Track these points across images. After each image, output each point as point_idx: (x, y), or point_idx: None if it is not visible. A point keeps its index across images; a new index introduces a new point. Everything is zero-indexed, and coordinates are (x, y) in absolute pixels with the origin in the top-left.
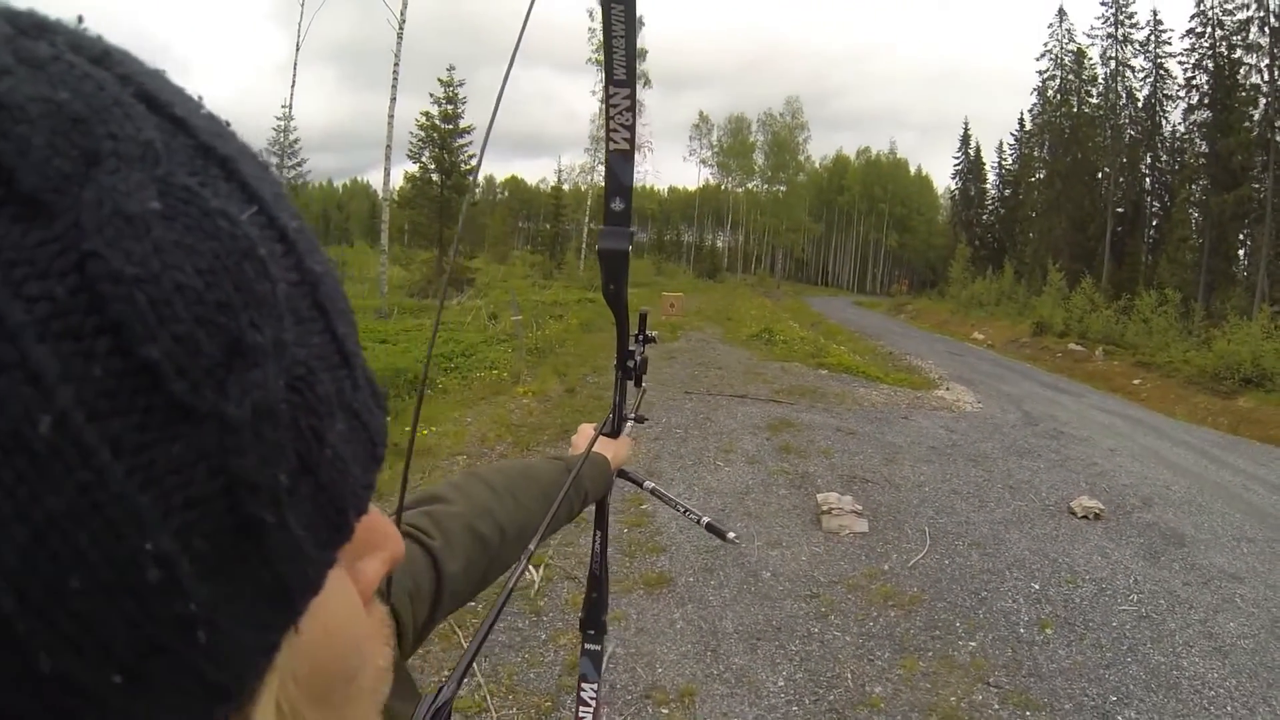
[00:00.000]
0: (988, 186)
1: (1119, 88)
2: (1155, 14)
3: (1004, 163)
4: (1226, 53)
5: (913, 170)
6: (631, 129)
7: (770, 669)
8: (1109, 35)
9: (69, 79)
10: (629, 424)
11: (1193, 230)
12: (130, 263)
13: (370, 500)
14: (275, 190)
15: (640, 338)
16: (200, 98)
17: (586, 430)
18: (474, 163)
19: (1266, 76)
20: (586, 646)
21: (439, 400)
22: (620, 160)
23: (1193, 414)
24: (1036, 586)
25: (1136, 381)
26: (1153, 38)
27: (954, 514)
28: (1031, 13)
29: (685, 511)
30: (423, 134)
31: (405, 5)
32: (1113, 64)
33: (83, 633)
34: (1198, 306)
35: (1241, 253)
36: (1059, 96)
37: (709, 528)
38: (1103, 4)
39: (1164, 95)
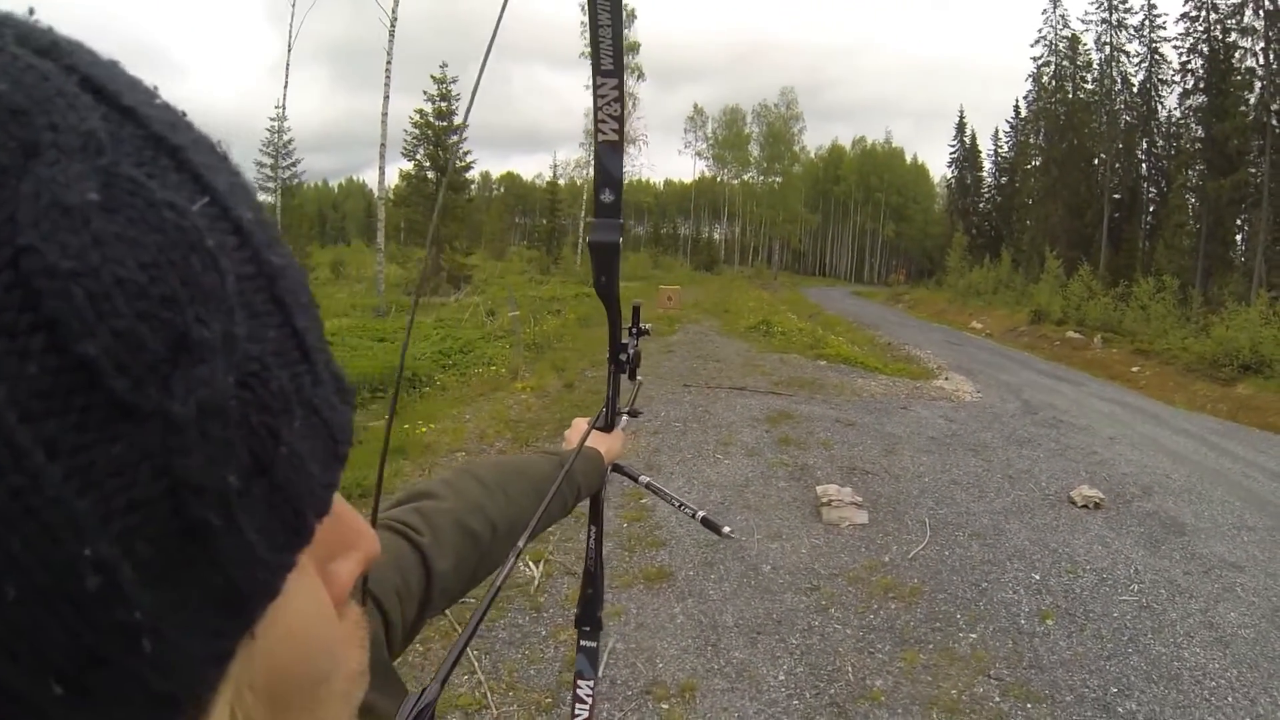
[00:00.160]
0: (984, 174)
1: (1114, 73)
2: None
3: (1000, 150)
4: (1221, 36)
5: (908, 159)
6: (620, 120)
7: (771, 663)
8: (1103, 21)
9: (10, 70)
10: (623, 418)
11: (1190, 216)
12: (67, 256)
13: (332, 500)
14: (232, 181)
15: (634, 331)
16: (155, 88)
17: (580, 425)
18: (468, 159)
19: (1262, 60)
20: (582, 643)
21: (437, 397)
22: (609, 151)
23: (1192, 401)
24: (1037, 577)
25: (1135, 369)
26: (1147, 22)
27: (954, 504)
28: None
29: (681, 506)
30: (417, 132)
31: (397, 4)
32: (1107, 49)
33: (18, 642)
34: (1195, 293)
35: (1239, 238)
36: (1054, 83)
37: (704, 522)
38: None
39: (1159, 80)
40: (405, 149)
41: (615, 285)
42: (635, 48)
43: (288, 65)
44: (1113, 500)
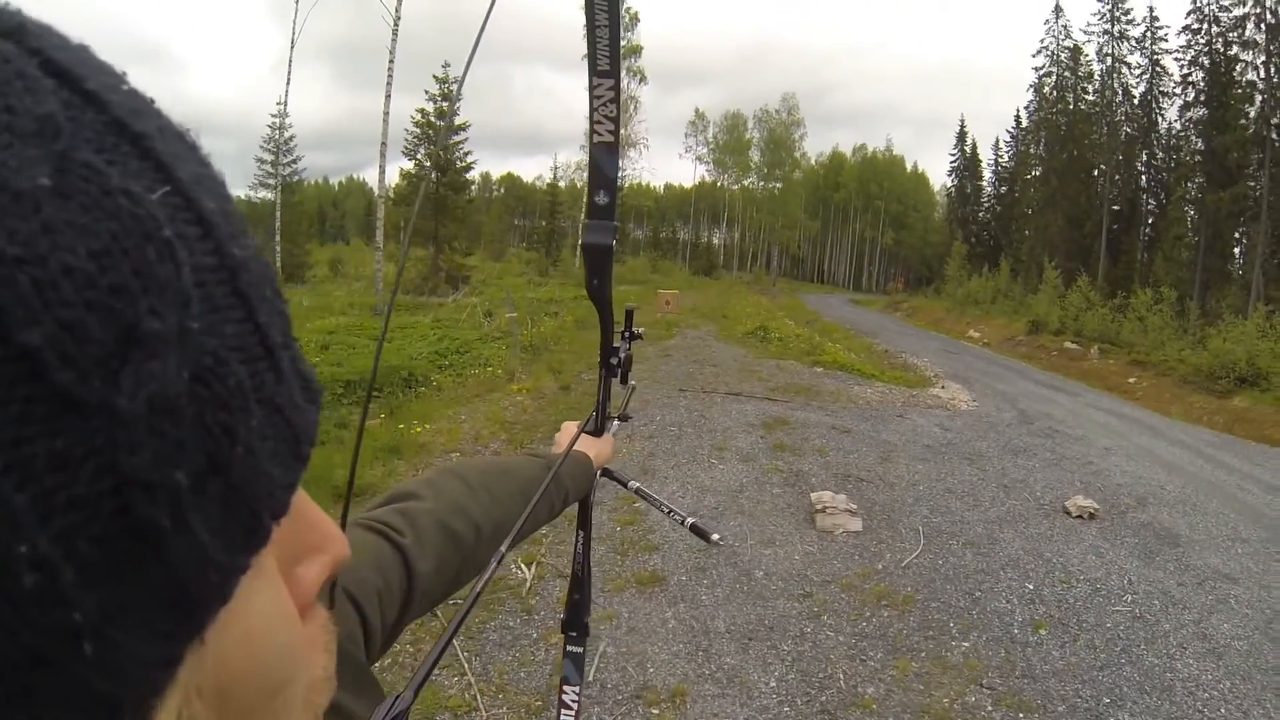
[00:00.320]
0: (984, 184)
1: (1115, 84)
2: (1151, 10)
3: (1000, 160)
4: (1223, 49)
5: (909, 167)
6: (616, 121)
7: (762, 669)
8: (1105, 32)
9: None
10: (614, 423)
11: (1188, 228)
12: (14, 242)
13: (291, 501)
14: (198, 170)
15: (626, 334)
16: (124, 73)
17: (570, 428)
18: (470, 159)
19: (1263, 73)
20: (569, 649)
21: (433, 397)
22: (604, 153)
23: (1188, 413)
24: (1030, 586)
25: (1132, 380)
26: (1149, 34)
27: (948, 513)
28: (1028, 10)
29: (670, 512)
30: (418, 131)
31: (400, 3)
32: (1109, 60)
33: None
34: (1193, 305)
35: (1237, 251)
36: (1055, 93)
37: (693, 529)
38: (1099, 0)
39: (1160, 92)
40: (406, 148)
41: (608, 288)
42: (637, 51)
43: (290, 63)
44: (1107, 511)
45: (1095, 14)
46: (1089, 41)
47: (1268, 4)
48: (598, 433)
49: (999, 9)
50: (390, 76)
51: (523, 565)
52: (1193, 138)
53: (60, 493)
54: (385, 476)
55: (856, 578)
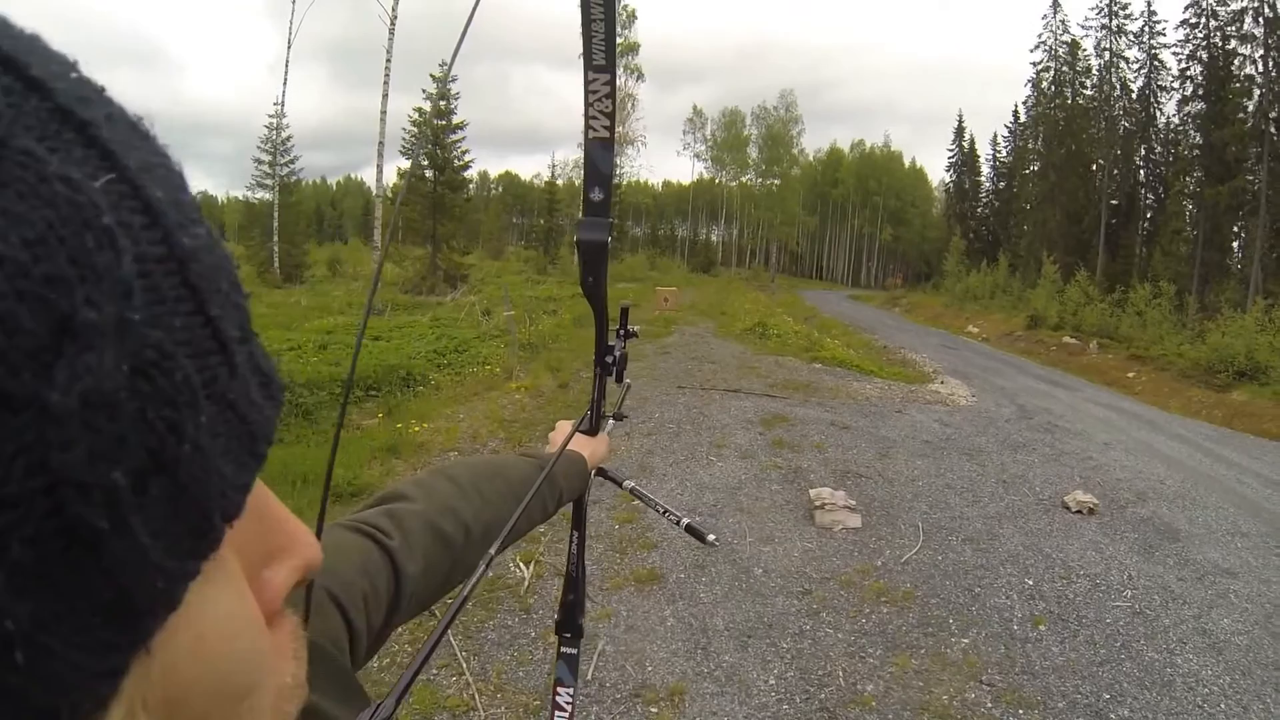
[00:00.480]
0: (982, 179)
1: (1113, 79)
2: (1149, 5)
3: (998, 155)
4: (1221, 44)
5: (907, 163)
6: (611, 116)
7: (761, 667)
8: (1103, 27)
9: None
10: (609, 422)
11: (1187, 222)
12: None
13: (245, 502)
14: (149, 159)
15: (621, 333)
16: (75, 61)
17: (564, 427)
18: (468, 158)
19: (1261, 68)
20: (563, 650)
21: (431, 396)
22: (600, 149)
23: (1187, 407)
24: (1030, 582)
25: (1131, 374)
26: (1147, 29)
27: (948, 509)
28: (1026, 5)
29: (665, 512)
30: (416, 130)
31: (397, 2)
32: (1107, 55)
33: None
34: (1192, 299)
35: (1236, 245)
36: (1053, 88)
37: (689, 529)
38: None
39: (1158, 87)
40: (404, 148)
41: (603, 286)
42: (635, 48)
43: (287, 62)
44: (1107, 506)
45: (1093, 9)
46: (1087, 36)
47: None
48: (592, 432)
49: (997, 5)
50: (387, 76)
51: (521, 564)
52: (1191, 132)
53: None
54: (384, 476)
55: (856, 574)
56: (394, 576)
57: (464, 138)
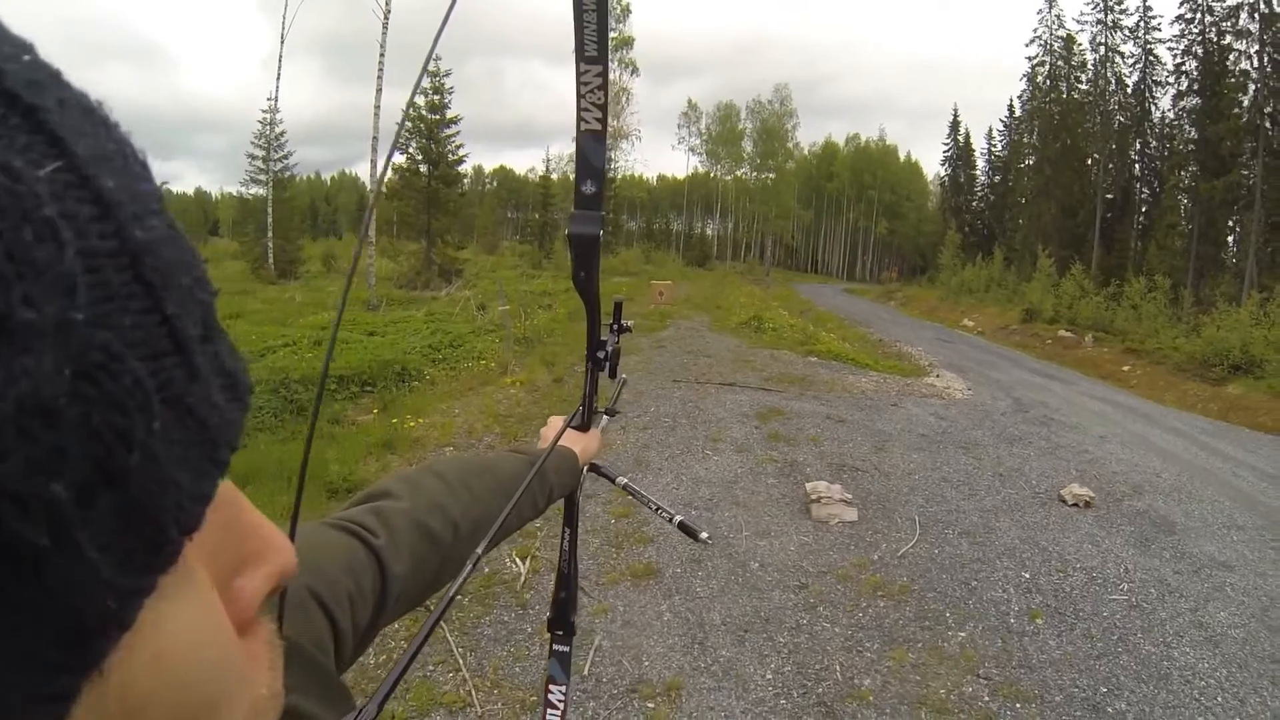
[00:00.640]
0: (977, 173)
1: (1108, 74)
2: (1144, 1)
3: (993, 149)
4: (1216, 39)
5: (902, 157)
6: (604, 109)
7: (758, 661)
8: (1098, 21)
9: None
10: (602, 418)
11: (1182, 217)
12: None
13: (204, 514)
14: (104, 146)
15: (615, 327)
16: (31, 44)
17: (556, 423)
18: (462, 152)
19: (1256, 63)
20: (555, 648)
21: (426, 391)
22: (591, 141)
23: (1182, 401)
24: (1027, 575)
25: (1126, 368)
26: (1142, 24)
27: (944, 502)
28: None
29: (658, 510)
30: (410, 125)
31: None
32: (1102, 50)
33: None
34: (1187, 293)
35: (1231, 239)
36: (1048, 83)
37: (681, 527)
38: None
39: (1153, 81)
40: (399, 142)
41: (595, 280)
42: (629, 42)
43: (280, 57)
44: (1103, 499)
45: (1089, 3)
46: (1082, 31)
47: None
48: (585, 428)
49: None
50: (381, 70)
51: (517, 559)
52: (1186, 127)
53: None
54: (379, 471)
55: (852, 568)
56: (380, 576)
57: (458, 132)
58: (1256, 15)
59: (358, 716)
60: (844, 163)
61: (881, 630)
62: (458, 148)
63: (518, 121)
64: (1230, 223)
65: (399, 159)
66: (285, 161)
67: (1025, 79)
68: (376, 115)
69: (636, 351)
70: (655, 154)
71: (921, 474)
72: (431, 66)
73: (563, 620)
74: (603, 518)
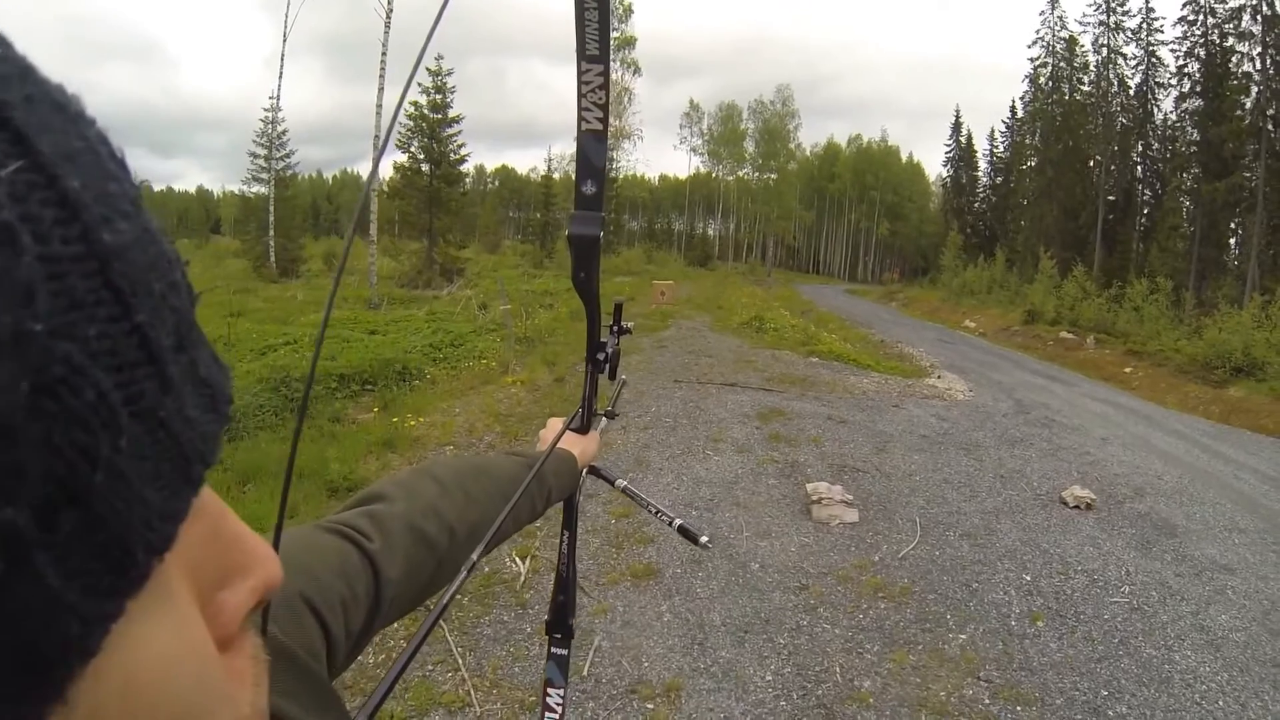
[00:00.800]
0: (979, 174)
1: (1110, 75)
2: (1147, 2)
3: (995, 150)
4: (1218, 41)
5: (904, 158)
6: (605, 108)
7: (758, 662)
8: (1101, 23)
9: None
10: (601, 420)
11: (1184, 219)
12: None
13: (177, 533)
14: (73, 144)
15: (615, 329)
16: (6, 39)
17: (555, 425)
18: (464, 152)
19: (1258, 65)
20: (553, 650)
21: (427, 390)
22: (592, 141)
23: (1184, 403)
24: (1028, 578)
25: (1128, 370)
26: (1144, 25)
27: (945, 504)
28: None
29: (658, 513)
30: (411, 124)
31: None
32: (1104, 51)
33: None
34: (1189, 295)
35: (1233, 241)
36: (1051, 84)
37: (681, 531)
38: None
39: (1156, 83)
40: (400, 142)
41: (595, 281)
42: (632, 42)
43: (282, 56)
44: (1104, 501)
45: (1091, 5)
46: (1084, 33)
47: None
48: (584, 430)
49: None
50: (383, 69)
51: (517, 559)
52: (1188, 129)
53: None
54: (379, 470)
55: (853, 569)
56: (374, 580)
57: (460, 131)
58: (1259, 17)
59: None
60: (846, 163)
61: (882, 632)
62: (460, 147)
63: (520, 121)
64: (1232, 225)
65: (402, 158)
66: (287, 160)
67: (1027, 80)
68: (378, 115)
69: (638, 351)
70: (657, 154)
71: (922, 475)
72: (433, 65)
73: (561, 624)
74: (603, 517)
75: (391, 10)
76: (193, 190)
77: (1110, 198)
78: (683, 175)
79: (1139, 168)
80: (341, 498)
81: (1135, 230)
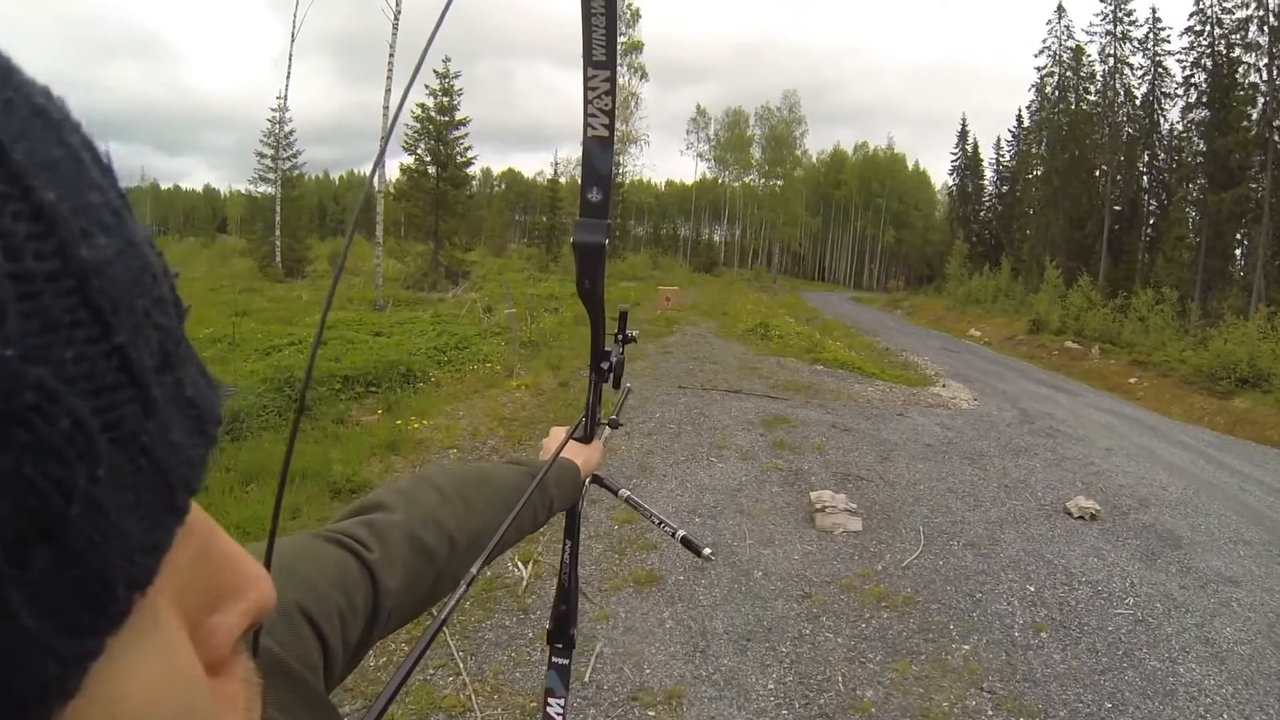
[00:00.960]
0: (985, 183)
1: (1117, 85)
2: (1154, 12)
3: (1002, 159)
4: (1225, 51)
5: (910, 166)
6: (611, 114)
7: (760, 671)
8: (1108, 33)
9: None
10: (604, 429)
11: (1190, 229)
12: None
13: (159, 566)
14: (51, 152)
15: (619, 337)
16: None
17: (558, 434)
18: (470, 154)
19: (1265, 76)
20: (554, 660)
21: (431, 393)
22: (598, 147)
23: (1189, 414)
24: (1032, 588)
25: (1133, 380)
26: (1151, 35)
27: (949, 513)
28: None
29: (661, 524)
30: (418, 126)
31: None
32: (1111, 61)
33: None
34: (1194, 306)
35: (1239, 252)
36: (1057, 93)
37: (684, 542)
38: (1102, 1)
39: (1162, 93)
40: (406, 143)
41: (600, 289)
42: (638, 47)
43: (290, 56)
44: (1109, 512)
45: (1098, 15)
46: (1091, 42)
47: (1271, 6)
48: (587, 439)
49: (1000, 9)
50: (391, 70)
51: (519, 564)
52: (1194, 139)
53: None
54: (383, 473)
55: (856, 578)
56: (372, 591)
57: (466, 134)
58: (1266, 28)
59: None
60: (852, 171)
61: (885, 641)
62: (466, 149)
63: (526, 124)
64: (1238, 235)
65: (408, 160)
66: (294, 160)
67: (1034, 89)
68: (385, 115)
69: (642, 357)
70: (664, 159)
71: (927, 484)
72: (440, 67)
73: (562, 633)
74: (606, 523)
75: (399, 11)
76: (199, 189)
77: (1116, 207)
78: (689, 181)
79: (1145, 178)
80: (344, 499)
81: (1141, 240)
